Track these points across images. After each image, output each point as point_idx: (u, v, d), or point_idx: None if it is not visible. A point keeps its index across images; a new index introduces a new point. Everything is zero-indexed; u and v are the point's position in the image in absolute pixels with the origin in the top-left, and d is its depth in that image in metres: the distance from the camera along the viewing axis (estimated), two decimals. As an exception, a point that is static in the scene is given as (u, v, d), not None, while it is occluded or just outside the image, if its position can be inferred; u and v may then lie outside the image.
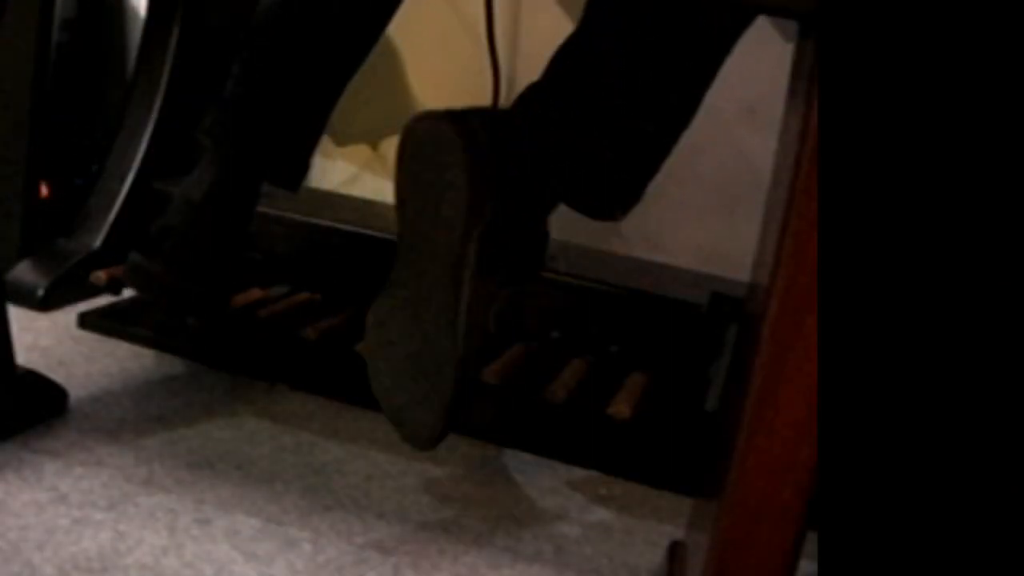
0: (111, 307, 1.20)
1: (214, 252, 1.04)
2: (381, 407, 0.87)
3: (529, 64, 1.50)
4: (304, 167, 1.12)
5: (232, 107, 1.06)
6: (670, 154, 0.93)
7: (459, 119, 0.81)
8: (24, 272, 1.22)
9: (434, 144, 0.81)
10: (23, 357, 0.98)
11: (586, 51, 0.91)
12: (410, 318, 0.85)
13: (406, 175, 0.84)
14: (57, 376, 0.99)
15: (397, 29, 1.52)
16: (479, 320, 0.83)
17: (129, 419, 0.97)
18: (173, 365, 1.10)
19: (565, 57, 0.92)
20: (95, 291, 1.19)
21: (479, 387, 1.06)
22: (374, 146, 1.57)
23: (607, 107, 0.89)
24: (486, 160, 0.81)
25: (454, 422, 0.84)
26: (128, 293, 1.20)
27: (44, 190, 1.29)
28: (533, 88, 0.92)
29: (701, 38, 0.90)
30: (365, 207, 1.42)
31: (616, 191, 0.93)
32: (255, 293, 1.24)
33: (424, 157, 0.82)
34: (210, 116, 1.06)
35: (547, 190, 0.90)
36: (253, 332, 1.14)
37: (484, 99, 1.49)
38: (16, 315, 1.04)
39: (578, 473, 1.01)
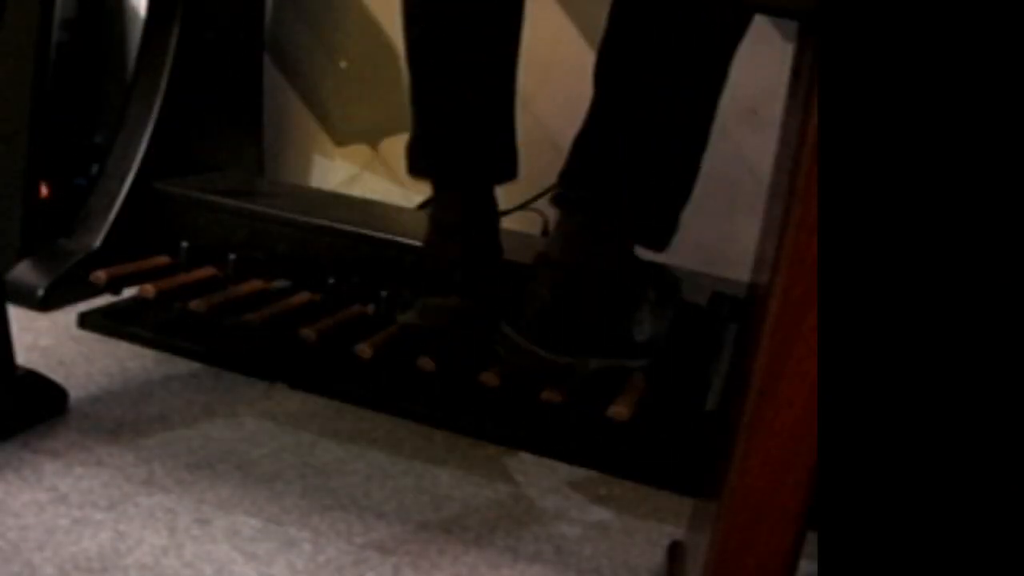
0: (111, 307, 1.20)
1: (490, 272, 1.09)
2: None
3: (529, 64, 1.50)
4: (515, 153, 1.12)
5: (430, 138, 1.08)
6: (698, 177, 1.02)
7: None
8: (24, 272, 1.22)
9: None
10: (23, 357, 0.98)
11: (606, 118, 1.00)
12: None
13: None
14: (57, 376, 0.99)
15: (397, 29, 1.52)
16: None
17: (129, 419, 0.97)
18: (173, 365, 1.10)
19: (588, 134, 1.02)
20: (95, 291, 1.19)
21: (476, 387, 1.07)
22: (374, 146, 1.57)
23: (640, 160, 0.98)
24: None
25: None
26: (128, 293, 1.20)
27: (44, 190, 1.29)
28: (568, 168, 1.03)
29: (708, 63, 0.97)
30: (365, 207, 1.42)
31: (663, 223, 1.03)
32: (256, 284, 1.24)
33: None
34: (412, 155, 1.09)
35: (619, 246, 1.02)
36: (253, 332, 1.14)
37: (484, 99, 1.49)
38: (16, 315, 1.04)
39: (578, 473, 1.01)
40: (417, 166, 1.09)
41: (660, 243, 1.03)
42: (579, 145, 1.01)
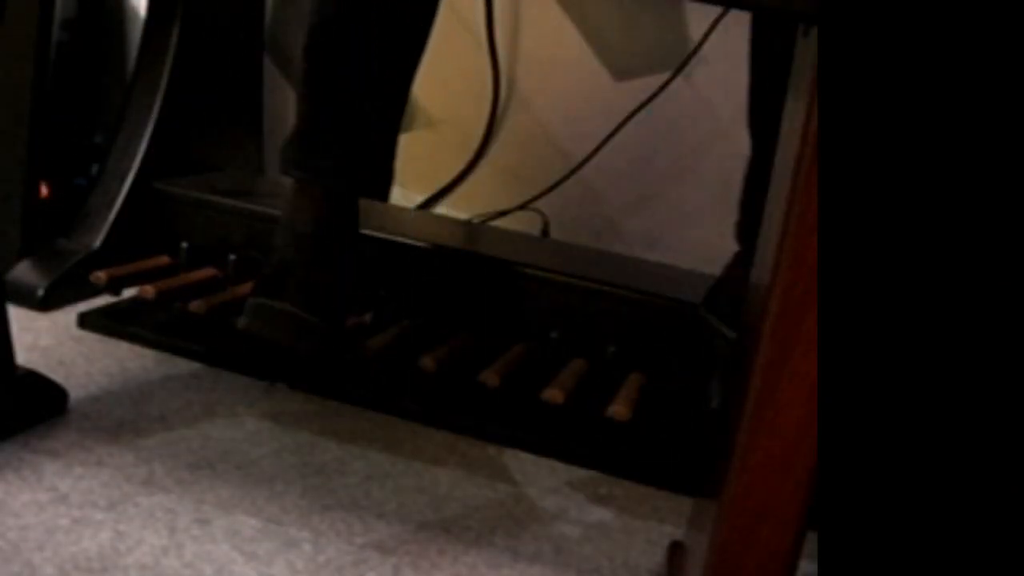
0: (111, 307, 1.20)
1: (337, 283, 1.03)
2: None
3: (529, 64, 1.50)
4: (390, 175, 1.10)
5: (308, 136, 1.04)
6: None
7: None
8: (24, 272, 1.22)
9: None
10: (23, 357, 0.98)
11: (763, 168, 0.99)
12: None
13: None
14: (57, 376, 0.99)
15: (397, 29, 1.52)
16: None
17: (129, 419, 0.97)
18: (173, 365, 1.10)
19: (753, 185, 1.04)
20: (95, 291, 1.19)
21: (476, 387, 1.07)
22: (374, 146, 1.57)
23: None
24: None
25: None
26: (128, 293, 1.21)
27: (44, 190, 1.29)
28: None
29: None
30: (365, 207, 1.41)
31: None
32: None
33: None
34: (288, 150, 1.05)
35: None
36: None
37: (484, 99, 1.50)
38: (16, 315, 1.04)
39: (578, 473, 1.01)
40: (288, 162, 1.05)
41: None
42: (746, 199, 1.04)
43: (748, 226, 1.03)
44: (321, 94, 1.04)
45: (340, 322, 1.03)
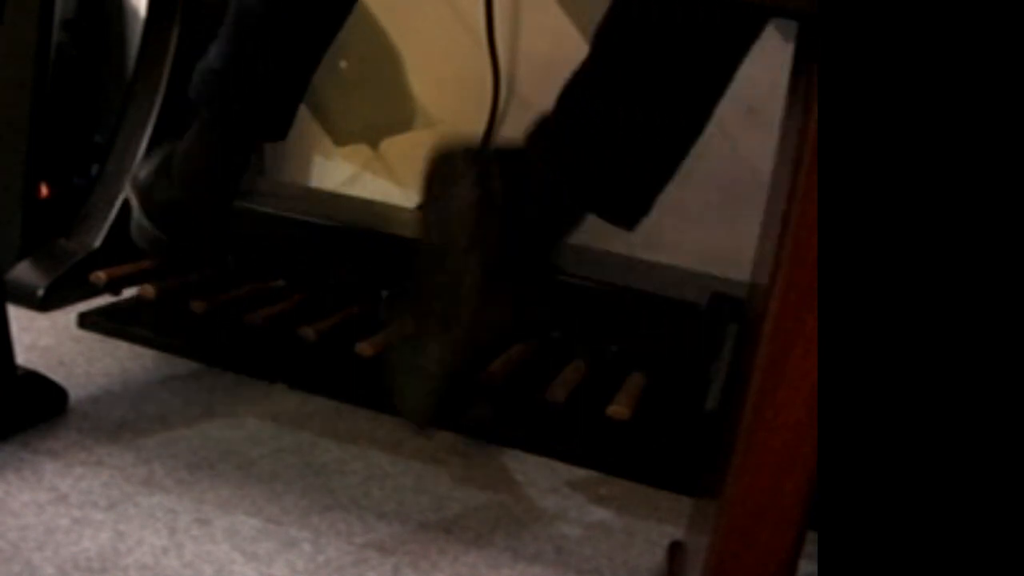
0: (111, 307, 1.20)
1: (216, 214, 1.11)
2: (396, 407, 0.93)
3: (529, 64, 1.50)
4: (291, 118, 1.13)
5: (221, 72, 1.08)
6: (681, 164, 0.96)
7: (475, 155, 0.89)
8: (24, 272, 1.22)
9: (451, 178, 0.88)
10: (23, 357, 0.98)
11: (597, 76, 0.94)
12: (420, 342, 0.90)
13: (428, 207, 0.92)
14: (57, 376, 0.99)
15: (397, 29, 1.53)
16: (478, 334, 0.88)
17: (129, 419, 0.97)
18: (173, 365, 1.10)
19: (574, 86, 0.95)
20: (95, 291, 1.19)
21: (476, 387, 1.07)
22: (374, 146, 1.57)
23: (622, 126, 0.93)
24: (495, 194, 0.87)
25: (444, 415, 0.92)
26: (128, 293, 1.21)
27: (44, 190, 1.29)
28: (545, 119, 0.95)
29: (714, 49, 0.92)
30: (365, 207, 1.42)
31: (634, 200, 0.97)
32: (256, 284, 1.24)
33: (441, 191, 0.89)
34: (199, 79, 1.09)
35: (565, 210, 0.94)
36: (253, 332, 1.14)
37: (484, 99, 1.49)
38: (16, 315, 1.04)
39: (578, 473, 1.01)
40: (197, 91, 1.09)
41: (628, 219, 0.98)
42: (560, 99, 0.97)
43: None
44: (243, 35, 1.08)
45: (211, 245, 1.13)
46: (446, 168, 0.89)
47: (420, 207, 0.92)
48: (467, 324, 0.87)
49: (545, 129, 0.95)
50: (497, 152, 0.93)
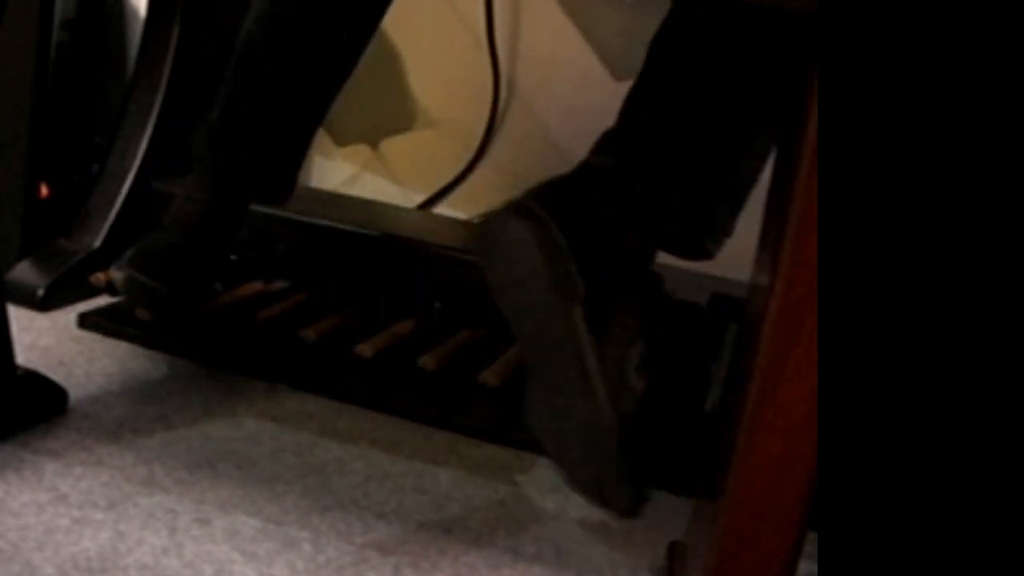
0: (111, 307, 1.20)
1: (208, 267, 1.10)
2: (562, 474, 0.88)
3: (529, 64, 1.50)
4: (291, 184, 1.14)
5: (219, 131, 1.08)
6: (758, 181, 0.91)
7: (519, 209, 0.82)
8: (24, 272, 1.22)
9: (506, 245, 0.83)
10: (23, 357, 0.98)
11: (658, 94, 0.90)
12: (555, 408, 0.85)
13: (497, 283, 0.85)
14: (57, 376, 0.99)
15: (397, 29, 1.52)
16: (618, 383, 0.84)
17: (129, 419, 0.97)
18: (173, 365, 1.10)
19: (636, 103, 0.91)
20: (95, 291, 1.19)
21: (476, 387, 1.07)
22: (374, 146, 1.57)
23: (690, 152, 0.88)
24: (555, 237, 0.82)
25: (640, 482, 0.85)
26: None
27: (44, 190, 1.29)
28: (607, 137, 0.92)
29: (776, 63, 0.86)
30: (365, 207, 1.42)
31: (710, 230, 0.93)
32: (255, 287, 1.24)
33: (502, 261, 0.83)
34: (199, 138, 1.09)
35: (637, 240, 0.91)
36: (253, 332, 1.14)
37: (484, 99, 1.49)
38: (16, 315, 1.04)
39: (578, 473, 1.01)
40: (196, 150, 1.09)
41: (697, 247, 0.94)
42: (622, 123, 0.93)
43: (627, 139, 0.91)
44: (243, 97, 1.08)
45: (187, 295, 1.10)
46: (496, 235, 0.83)
47: (489, 282, 0.85)
48: (602, 376, 0.83)
49: (607, 146, 0.91)
50: (541, 193, 0.86)
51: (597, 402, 0.82)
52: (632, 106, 0.91)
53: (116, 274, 1.04)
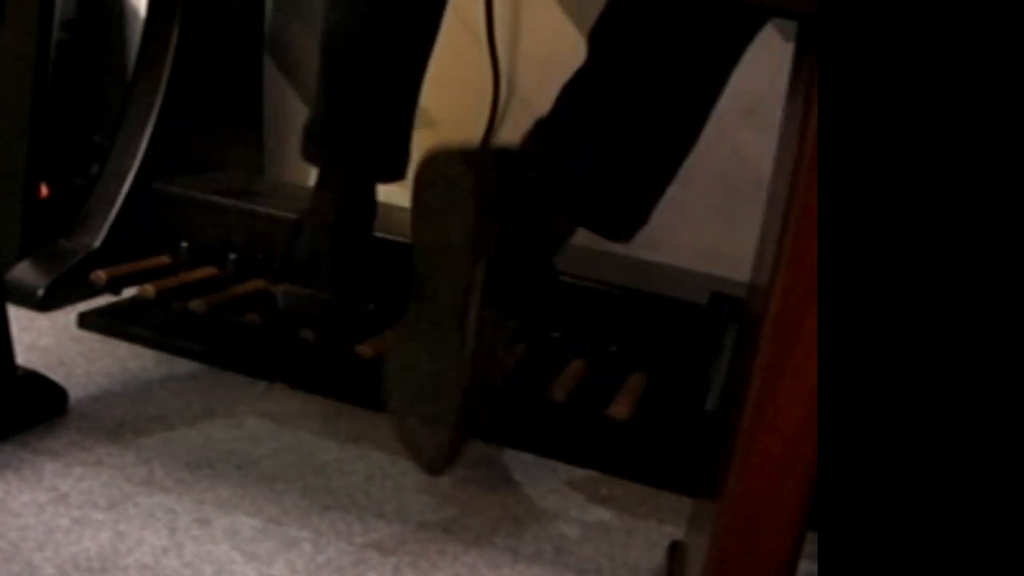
0: (111, 307, 1.20)
1: (360, 265, 1.10)
2: (396, 429, 0.92)
3: (529, 64, 1.50)
4: (408, 156, 1.13)
5: (330, 126, 1.09)
6: (678, 171, 0.95)
7: (469, 156, 0.87)
8: (24, 272, 1.22)
9: (445, 179, 0.86)
10: (23, 357, 0.98)
11: (591, 81, 0.94)
12: (422, 345, 0.89)
13: (420, 208, 0.90)
14: (57, 376, 0.99)
15: (397, 29, 1.52)
16: (487, 349, 0.87)
17: (129, 419, 0.97)
18: (173, 365, 1.10)
19: (571, 90, 0.95)
20: (95, 291, 1.19)
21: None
22: (374, 146, 1.57)
23: (616, 134, 0.92)
24: (493, 195, 0.86)
25: (459, 446, 0.89)
26: (128, 293, 1.21)
27: (44, 190, 1.29)
28: (541, 122, 0.95)
29: (707, 55, 0.92)
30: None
31: (628, 214, 0.97)
32: (256, 284, 1.24)
33: (436, 192, 0.88)
34: (307, 140, 1.10)
35: (557, 223, 0.94)
36: (253, 332, 1.14)
37: (484, 99, 1.49)
38: (16, 315, 1.04)
39: (578, 473, 1.01)
40: (309, 150, 1.10)
41: (622, 231, 0.98)
42: (556, 104, 0.97)
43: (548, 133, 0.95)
44: (339, 87, 1.08)
45: (364, 302, 1.11)
46: (440, 168, 0.88)
47: (412, 217, 0.90)
48: (476, 332, 0.86)
49: (540, 134, 0.94)
50: (493, 153, 0.92)
51: (463, 356, 0.86)
52: (564, 96, 0.95)
53: (275, 289, 1.07)
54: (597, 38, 0.96)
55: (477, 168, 0.86)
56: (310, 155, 1.11)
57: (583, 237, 1.50)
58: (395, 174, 1.12)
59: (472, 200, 0.85)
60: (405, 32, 1.08)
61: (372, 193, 1.12)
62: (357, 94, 1.08)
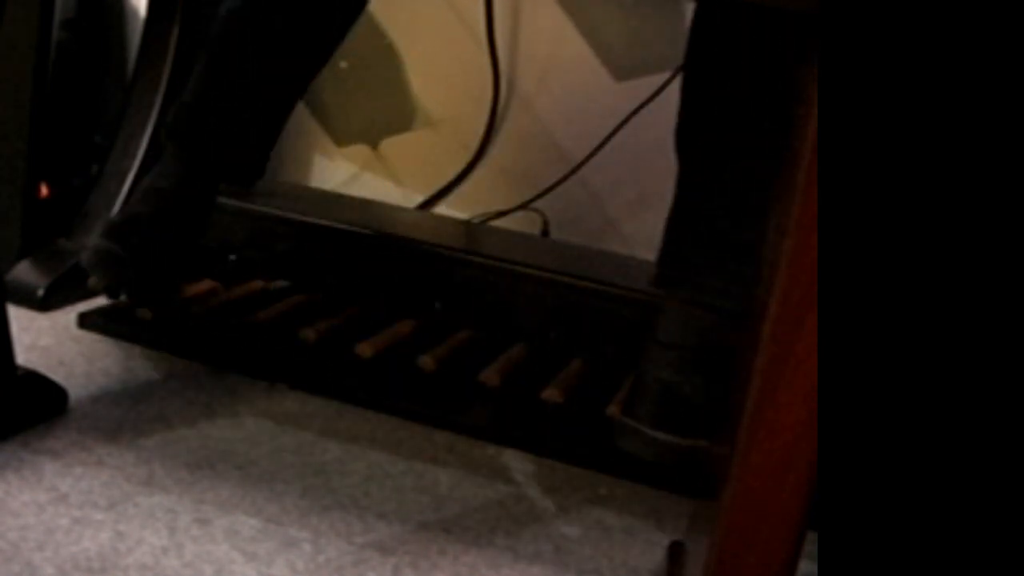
0: (111, 307, 1.20)
1: (178, 246, 1.12)
2: None
3: (529, 64, 1.50)
4: (261, 169, 1.17)
5: (193, 109, 1.10)
6: None
7: None
8: (24, 272, 1.22)
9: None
10: (23, 357, 0.98)
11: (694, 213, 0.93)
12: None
13: None
14: (57, 376, 0.99)
15: (397, 29, 1.52)
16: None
17: (129, 419, 0.97)
18: (173, 365, 1.10)
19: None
20: (95, 291, 1.19)
21: (476, 387, 1.07)
22: (374, 146, 1.57)
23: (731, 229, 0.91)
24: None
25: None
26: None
27: (44, 190, 1.29)
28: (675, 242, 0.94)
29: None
30: (365, 207, 1.42)
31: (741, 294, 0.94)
32: (256, 284, 1.24)
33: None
34: (173, 116, 1.12)
35: None
36: (253, 332, 1.14)
37: (484, 99, 1.49)
38: (16, 315, 1.04)
39: (578, 473, 1.01)
40: (169, 128, 1.12)
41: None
42: (672, 224, 0.96)
43: (675, 277, 0.94)
44: (217, 80, 1.10)
45: (168, 280, 1.14)
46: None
47: None
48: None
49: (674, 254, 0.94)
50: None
51: None
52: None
53: (83, 252, 1.09)
54: (681, 143, 0.94)
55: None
56: (170, 133, 1.12)
57: (583, 237, 1.50)
58: (243, 183, 1.16)
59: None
60: (297, 40, 1.10)
61: (214, 188, 1.14)
62: (233, 91, 1.10)
